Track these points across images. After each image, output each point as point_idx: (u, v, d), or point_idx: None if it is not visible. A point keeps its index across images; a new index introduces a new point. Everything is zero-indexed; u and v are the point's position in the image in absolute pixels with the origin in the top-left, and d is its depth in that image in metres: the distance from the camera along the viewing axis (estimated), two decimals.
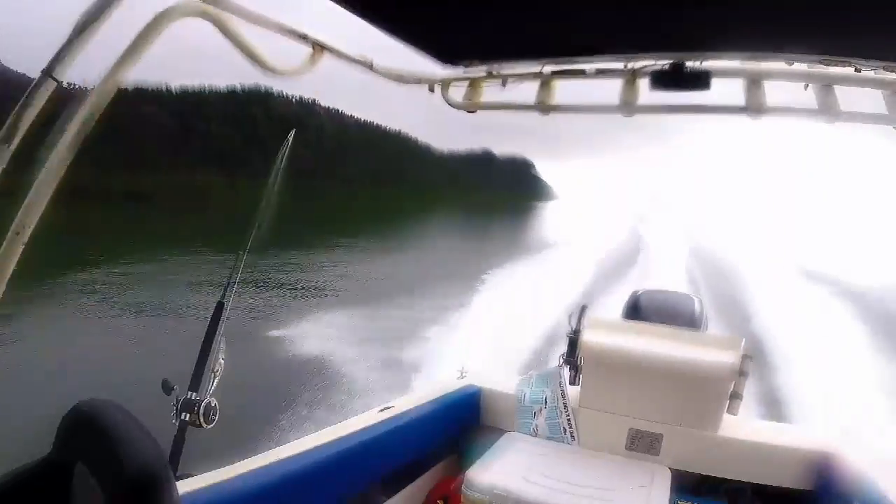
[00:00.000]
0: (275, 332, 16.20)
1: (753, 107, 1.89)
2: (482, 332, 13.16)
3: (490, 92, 2.41)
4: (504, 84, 2.34)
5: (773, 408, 10.41)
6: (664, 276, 21.56)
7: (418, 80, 2.41)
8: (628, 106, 2.04)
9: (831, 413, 8.81)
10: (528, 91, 2.32)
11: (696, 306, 4.21)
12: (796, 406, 10.34)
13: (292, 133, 3.45)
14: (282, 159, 3.37)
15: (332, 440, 2.80)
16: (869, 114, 1.80)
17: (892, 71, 1.71)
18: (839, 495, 2.98)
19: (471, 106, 2.41)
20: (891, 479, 2.81)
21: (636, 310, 4.21)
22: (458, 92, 2.46)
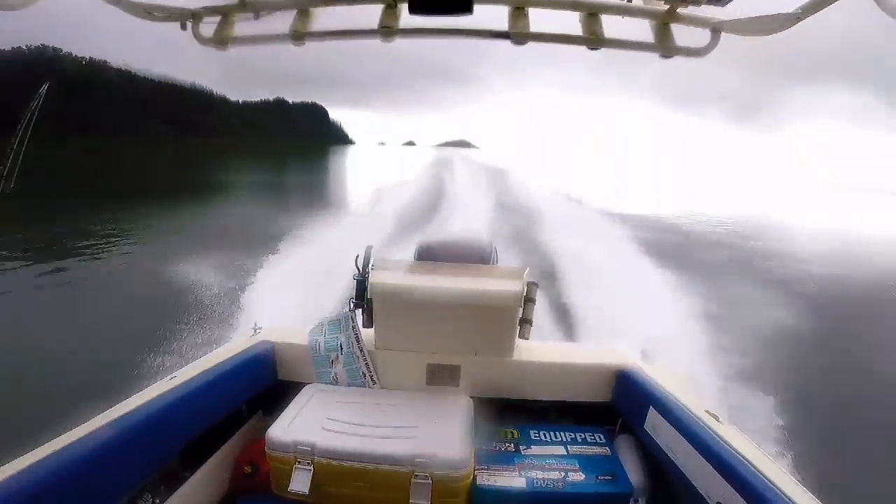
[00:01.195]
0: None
1: (517, 32, 1.83)
2: (282, 289, 12.68)
3: (243, 27, 2.19)
4: (257, 16, 2.13)
5: (574, 331, 11.15)
6: (467, 222, 21.92)
7: (168, 16, 2.15)
8: (388, 31, 1.95)
9: (628, 334, 9.22)
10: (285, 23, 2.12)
11: (486, 247, 4.27)
12: (599, 329, 10.99)
13: (45, 87, 3.39)
14: (32, 114, 3.27)
15: (114, 419, 2.55)
16: (634, 41, 1.80)
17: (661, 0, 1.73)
18: (635, 403, 3.36)
19: (221, 42, 2.16)
20: (680, 387, 3.28)
21: (427, 250, 4.20)
22: (210, 29, 2.22)
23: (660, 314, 12.46)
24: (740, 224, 34.74)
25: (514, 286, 3.50)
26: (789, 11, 1.56)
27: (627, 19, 1.86)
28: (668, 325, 11.90)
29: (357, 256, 3.79)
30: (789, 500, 2.24)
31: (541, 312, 11.85)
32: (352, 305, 3.82)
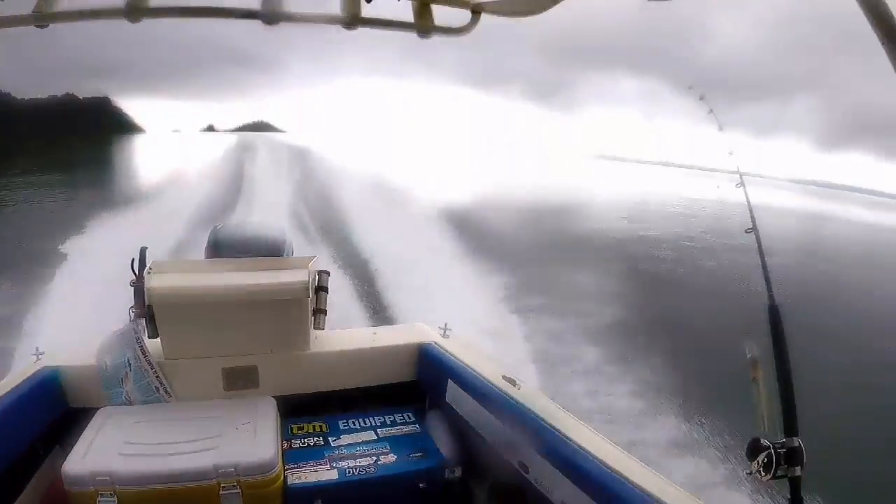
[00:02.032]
0: None
1: (271, 11, 1.63)
2: (66, 306, 11.41)
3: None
4: None
5: (381, 313, 11.30)
6: (268, 210, 21.44)
7: None
8: (136, 10, 1.64)
9: (429, 313, 9.48)
10: None
11: (278, 234, 4.14)
12: (408, 311, 11.16)
13: None
14: None
15: None
16: (394, 21, 1.72)
17: None
18: (437, 378, 3.44)
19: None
20: (477, 357, 3.43)
21: (216, 246, 3.99)
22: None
23: (465, 290, 12.94)
24: (542, 202, 36.83)
25: (300, 276, 3.37)
26: None
27: None
28: (472, 298, 12.40)
29: (133, 260, 3.43)
30: (586, 452, 2.36)
31: (348, 299, 11.96)
32: (132, 315, 3.47)
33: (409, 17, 1.79)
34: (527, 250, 19.25)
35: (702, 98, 2.11)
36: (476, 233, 19.84)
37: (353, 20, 1.72)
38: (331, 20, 1.77)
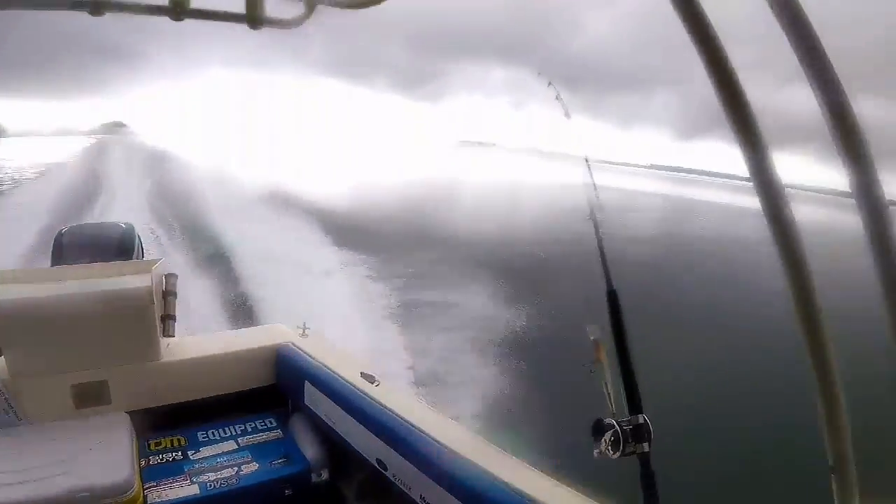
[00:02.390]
0: None
1: (92, 2, 1.31)
2: None
3: None
4: None
5: (242, 315, 10.96)
6: (125, 210, 20.55)
7: None
8: None
9: (291, 312, 9.32)
10: None
11: (127, 235, 3.96)
12: (264, 310, 10.99)
13: None
14: None
15: None
16: (224, 12, 1.44)
17: None
18: (295, 380, 3.34)
19: None
20: (334, 356, 3.36)
21: (61, 251, 3.77)
22: None
23: (330, 287, 12.88)
24: (403, 194, 37.10)
25: (143, 281, 3.18)
26: None
27: None
28: (337, 295, 12.33)
29: None
30: (441, 446, 2.36)
31: (208, 302, 11.53)
32: None
33: (240, 7, 1.70)
34: (392, 244, 19.29)
35: (549, 84, 2.15)
36: (341, 228, 19.82)
37: (179, 11, 1.62)
38: (156, 11, 1.68)
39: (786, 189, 0.59)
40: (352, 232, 19.23)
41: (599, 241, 1.84)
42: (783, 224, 0.60)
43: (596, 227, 1.86)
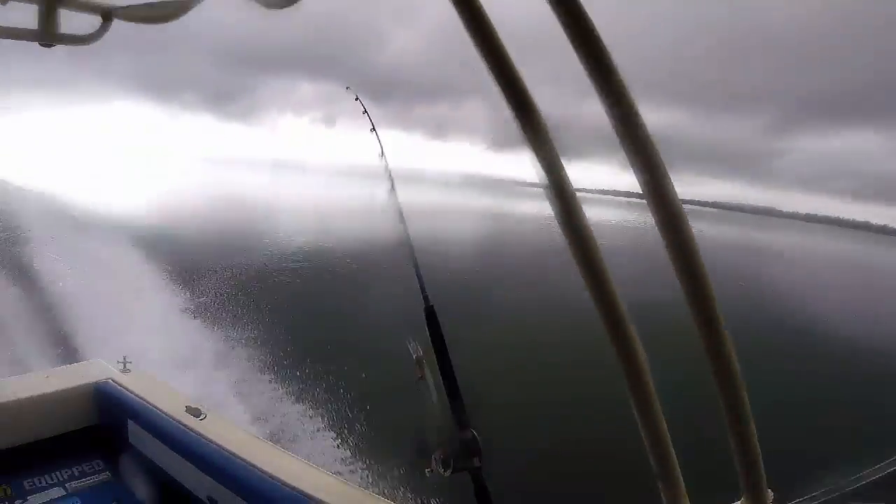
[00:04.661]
0: None
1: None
2: None
3: None
4: None
5: (61, 349, 10.31)
6: None
7: None
8: None
9: (113, 347, 8.73)
10: None
11: None
12: (85, 345, 10.37)
13: None
14: None
15: None
16: (12, 28, 1.49)
17: None
18: (118, 419, 3.19)
19: None
20: (158, 391, 3.25)
21: None
22: None
23: (151, 316, 12.20)
24: (215, 218, 35.96)
25: None
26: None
27: (11, 3, 1.51)
28: (159, 325, 11.75)
29: None
30: (270, 476, 2.34)
31: (23, 338, 10.49)
32: None
33: (31, 23, 1.57)
34: (209, 267, 18.60)
35: (357, 99, 2.15)
36: (160, 254, 18.96)
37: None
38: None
39: (576, 193, 0.61)
40: (168, 259, 18.28)
41: (415, 261, 1.83)
42: (575, 228, 0.61)
43: (410, 248, 1.85)
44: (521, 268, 29.43)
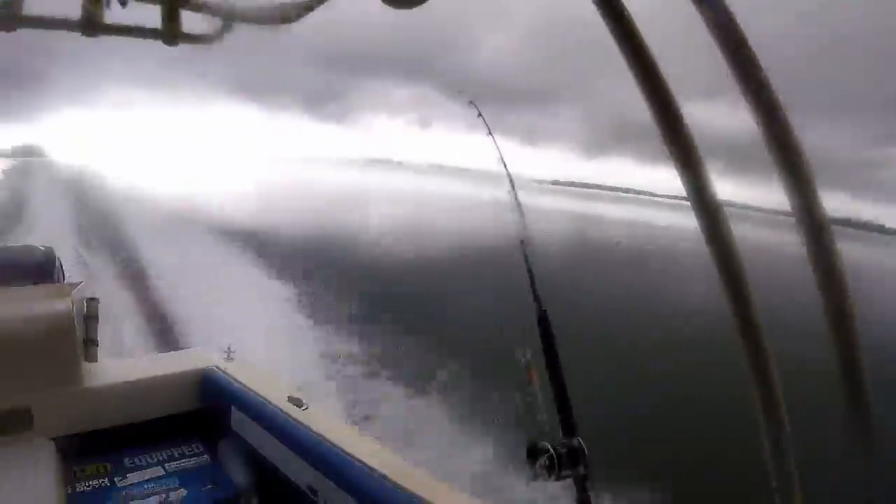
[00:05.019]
0: None
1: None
2: None
3: None
4: None
5: (166, 338, 10.66)
6: (46, 232, 19.49)
7: None
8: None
9: (216, 335, 9.11)
10: None
11: (47, 258, 3.92)
12: (187, 334, 10.82)
13: None
14: None
15: None
16: (140, 27, 1.52)
17: None
18: (221, 405, 3.29)
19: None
20: (261, 380, 3.31)
21: None
22: None
23: (254, 308, 12.59)
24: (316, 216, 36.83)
25: (64, 306, 3.13)
26: (298, 1, 1.50)
27: (135, 3, 1.66)
28: (261, 318, 12.03)
29: None
30: (372, 470, 2.36)
31: (133, 324, 11.13)
32: None
33: (156, 23, 1.67)
34: (313, 262, 19.00)
35: (471, 103, 2.16)
36: (262, 249, 19.49)
37: (92, 26, 1.55)
38: (67, 26, 1.62)
39: (722, 205, 0.60)
40: (271, 254, 18.89)
41: (528, 265, 1.81)
42: (719, 239, 0.61)
43: (525, 253, 1.84)
44: (621, 270, 28.64)
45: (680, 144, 0.61)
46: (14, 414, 3.12)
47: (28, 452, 2.95)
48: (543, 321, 1.74)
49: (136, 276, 14.10)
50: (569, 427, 1.63)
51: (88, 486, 3.06)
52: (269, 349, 9.58)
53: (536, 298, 1.77)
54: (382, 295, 15.98)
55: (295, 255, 19.58)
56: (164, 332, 11.01)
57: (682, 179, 0.61)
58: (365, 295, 15.36)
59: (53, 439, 3.08)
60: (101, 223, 23.33)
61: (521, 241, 1.86)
